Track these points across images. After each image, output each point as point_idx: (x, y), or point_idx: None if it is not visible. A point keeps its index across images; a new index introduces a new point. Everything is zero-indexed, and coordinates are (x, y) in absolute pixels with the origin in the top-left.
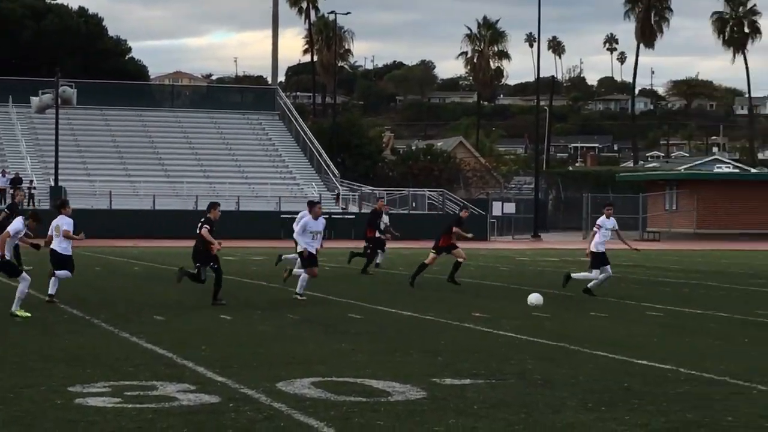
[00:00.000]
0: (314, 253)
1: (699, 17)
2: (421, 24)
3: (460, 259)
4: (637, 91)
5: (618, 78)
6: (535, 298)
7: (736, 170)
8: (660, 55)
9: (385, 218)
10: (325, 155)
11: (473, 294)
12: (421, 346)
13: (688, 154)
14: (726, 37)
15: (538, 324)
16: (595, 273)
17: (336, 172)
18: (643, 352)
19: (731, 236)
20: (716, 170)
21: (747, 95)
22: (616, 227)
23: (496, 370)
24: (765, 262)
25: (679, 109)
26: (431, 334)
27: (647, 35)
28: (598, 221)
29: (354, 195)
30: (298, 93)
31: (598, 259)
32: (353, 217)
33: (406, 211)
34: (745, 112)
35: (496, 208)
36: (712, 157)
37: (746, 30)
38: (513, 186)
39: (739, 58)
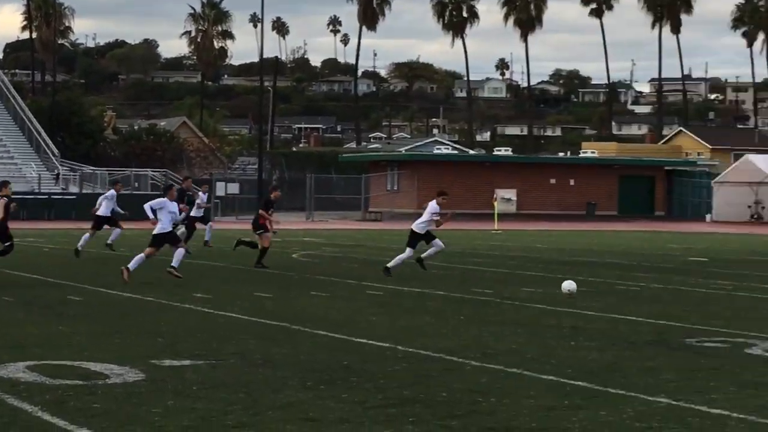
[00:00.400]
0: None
1: (421, 1)
2: (145, 2)
3: (266, 244)
4: (360, 73)
5: (341, 60)
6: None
7: (455, 152)
8: (382, 38)
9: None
10: (44, 134)
11: (198, 275)
12: (142, 327)
13: (409, 136)
14: (446, 21)
15: (259, 305)
16: (408, 251)
17: (56, 151)
18: (362, 330)
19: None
20: (436, 151)
21: (465, 78)
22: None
23: (216, 350)
24: (483, 242)
25: (401, 92)
26: (152, 315)
27: (369, 18)
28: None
29: (75, 175)
30: (16, 71)
31: (415, 238)
32: (74, 197)
33: (129, 192)
34: (463, 95)
35: (220, 189)
36: (433, 139)
37: (464, 14)
38: (237, 166)
39: (458, 41)
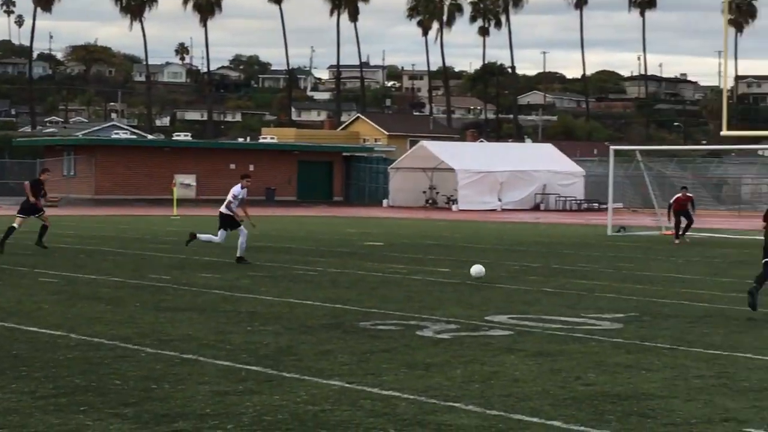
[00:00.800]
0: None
1: None
2: None
3: (46, 223)
4: (35, 56)
5: (16, 41)
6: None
7: (134, 136)
8: (59, 20)
9: None
10: None
11: None
12: None
13: (87, 120)
14: (123, 4)
15: None
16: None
17: None
18: (33, 319)
19: (129, 202)
20: (114, 136)
21: (144, 62)
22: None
23: None
24: (161, 227)
25: (78, 75)
26: None
27: None
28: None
29: None
30: None
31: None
32: None
33: None
34: (143, 79)
35: None
36: (111, 123)
37: None
38: None
39: (137, 25)
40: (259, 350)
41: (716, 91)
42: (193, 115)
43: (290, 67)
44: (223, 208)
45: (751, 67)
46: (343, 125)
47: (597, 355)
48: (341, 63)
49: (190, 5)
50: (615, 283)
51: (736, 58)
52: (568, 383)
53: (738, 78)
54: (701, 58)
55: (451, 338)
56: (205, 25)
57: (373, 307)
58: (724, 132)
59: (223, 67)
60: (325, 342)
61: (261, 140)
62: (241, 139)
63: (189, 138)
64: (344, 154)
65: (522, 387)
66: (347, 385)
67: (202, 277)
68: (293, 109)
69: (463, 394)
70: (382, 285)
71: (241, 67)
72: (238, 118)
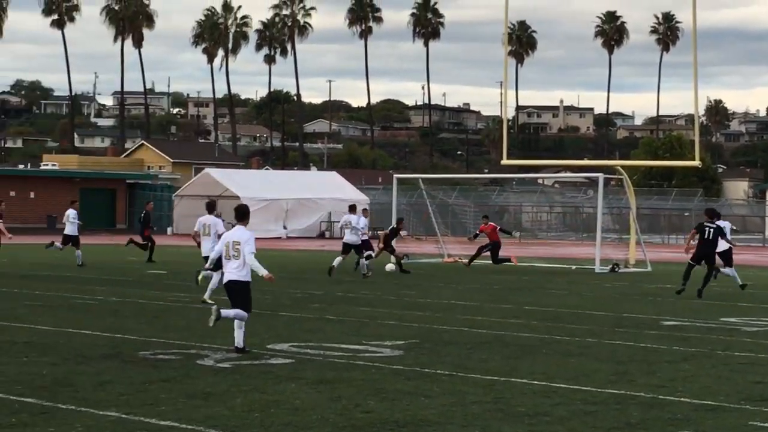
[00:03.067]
0: None
1: None
2: None
3: None
4: None
5: None
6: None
7: None
8: None
9: None
10: None
11: None
12: None
13: None
14: None
15: None
16: None
17: None
18: None
19: None
20: None
21: None
22: None
23: None
24: None
25: None
26: None
27: None
28: None
29: None
30: None
31: None
32: None
33: None
34: None
35: None
36: None
37: None
38: None
39: None
40: (35, 381)
41: (497, 120)
42: None
43: (73, 93)
44: None
45: (531, 97)
46: (127, 152)
47: (377, 382)
48: (126, 89)
49: None
50: (397, 310)
51: (516, 89)
52: (347, 411)
53: (518, 108)
54: (483, 88)
55: (232, 367)
56: None
57: (154, 336)
58: (505, 161)
59: (3, 93)
60: (103, 372)
61: (42, 167)
62: (21, 166)
63: None
64: (128, 181)
65: (302, 416)
66: (124, 416)
67: None
68: (76, 136)
69: (242, 423)
70: (163, 313)
71: (23, 92)
72: (20, 144)
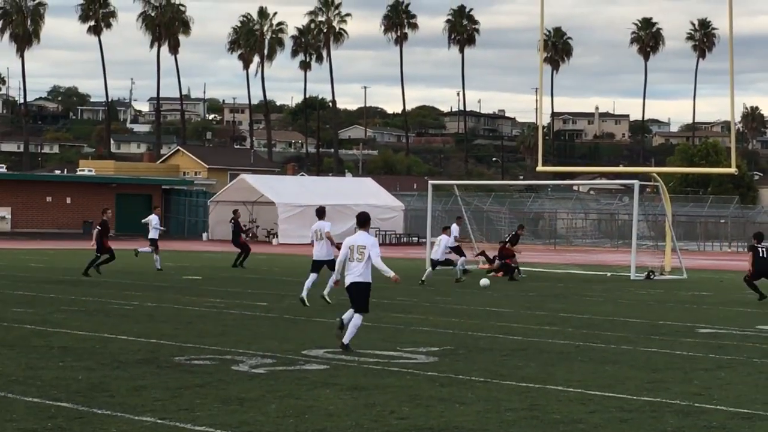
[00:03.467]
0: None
1: None
2: None
3: None
4: None
5: None
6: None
7: None
8: None
9: None
10: None
11: None
12: None
13: None
14: None
15: None
16: None
17: None
18: None
19: None
20: None
21: None
22: None
23: None
24: None
25: None
26: None
27: None
28: None
29: None
30: None
31: None
32: None
33: None
34: None
35: None
36: None
37: None
38: None
39: None
40: (71, 386)
41: (533, 127)
42: (9, 147)
43: (109, 99)
44: None
45: (566, 103)
46: (163, 158)
47: (412, 388)
48: (162, 95)
49: (6, 35)
50: (432, 316)
51: (552, 95)
52: (382, 417)
53: (554, 115)
54: (519, 94)
55: (267, 373)
56: (22, 56)
57: (189, 341)
58: (540, 168)
59: (40, 98)
60: (139, 377)
61: (78, 173)
62: (58, 171)
63: (4, 170)
64: (164, 186)
65: (336, 421)
66: (159, 421)
67: (14, 312)
68: (112, 142)
69: (277, 428)
70: (198, 319)
71: (60, 98)
72: (56, 149)
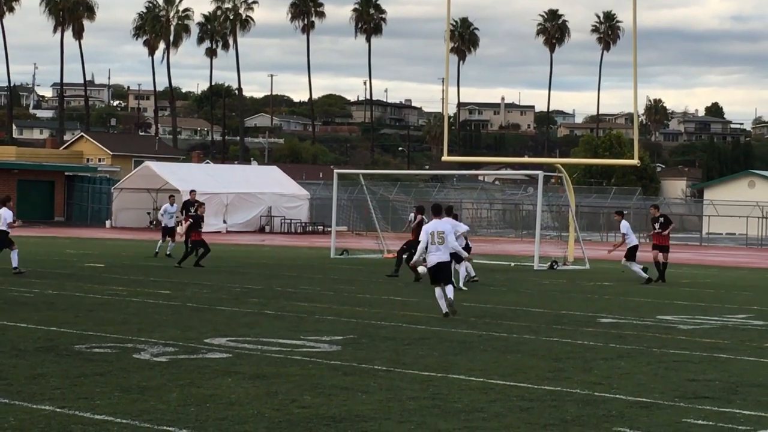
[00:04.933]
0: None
1: None
2: None
3: None
4: None
5: None
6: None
7: None
8: None
9: None
10: None
11: None
12: None
13: None
14: None
15: None
16: None
17: None
18: None
19: None
20: None
21: None
22: None
23: None
24: None
25: None
26: None
27: None
28: None
29: None
30: None
31: None
32: None
33: None
34: None
35: None
36: None
37: None
38: None
39: None
40: None
41: (439, 117)
42: None
43: (12, 84)
44: None
45: (472, 94)
46: (67, 144)
47: (314, 377)
48: (65, 81)
49: None
50: (335, 305)
51: (458, 85)
52: (284, 406)
53: (460, 105)
54: (425, 84)
55: (168, 361)
56: None
57: (90, 329)
58: (446, 158)
59: None
60: (38, 365)
61: None
62: None
63: None
64: (67, 173)
65: (238, 410)
66: (58, 410)
67: None
68: (15, 127)
69: (178, 417)
70: (100, 307)
71: None
72: None
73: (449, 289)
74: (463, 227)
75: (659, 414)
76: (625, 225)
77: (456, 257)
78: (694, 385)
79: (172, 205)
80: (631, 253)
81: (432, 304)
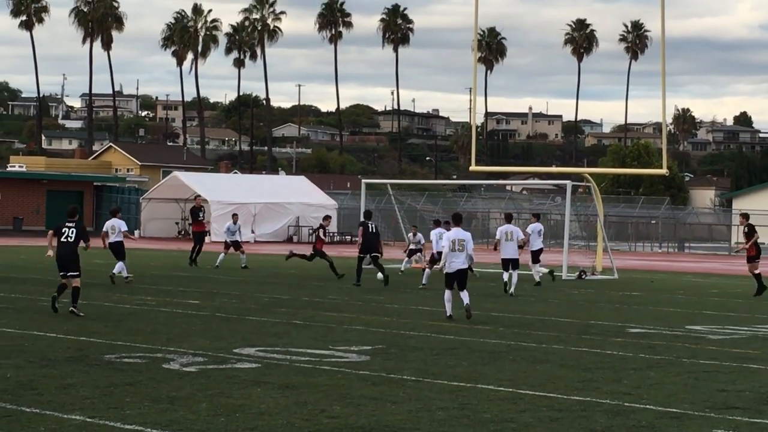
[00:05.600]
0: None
1: None
2: None
3: None
4: None
5: None
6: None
7: None
8: None
9: None
10: None
11: None
12: None
13: None
14: None
15: None
16: None
17: None
18: None
19: None
20: None
21: None
22: None
23: None
24: None
25: None
26: None
27: None
28: None
29: None
30: None
31: None
32: None
33: None
34: None
35: None
36: None
37: None
38: None
39: None
40: None
41: (466, 126)
42: None
43: (41, 95)
44: None
45: (500, 103)
46: (95, 154)
47: (343, 387)
48: (94, 92)
49: None
50: (364, 315)
51: (486, 95)
52: (313, 416)
53: (487, 114)
54: (452, 94)
55: (198, 371)
56: None
57: (119, 339)
58: (473, 167)
59: None
60: (68, 375)
61: (9, 168)
62: None
63: None
64: (95, 183)
65: (267, 420)
66: (89, 420)
67: None
68: (44, 138)
69: (207, 427)
70: (129, 317)
71: None
72: None
73: (465, 295)
74: (519, 233)
75: (689, 425)
76: (536, 227)
77: (534, 256)
78: (725, 396)
79: (235, 223)
80: (535, 256)
81: (460, 314)
